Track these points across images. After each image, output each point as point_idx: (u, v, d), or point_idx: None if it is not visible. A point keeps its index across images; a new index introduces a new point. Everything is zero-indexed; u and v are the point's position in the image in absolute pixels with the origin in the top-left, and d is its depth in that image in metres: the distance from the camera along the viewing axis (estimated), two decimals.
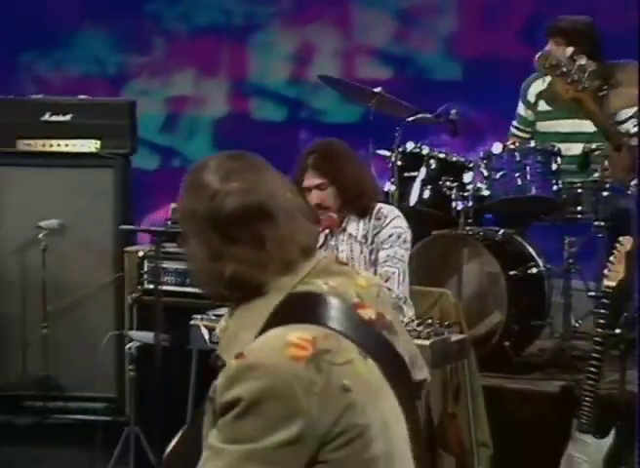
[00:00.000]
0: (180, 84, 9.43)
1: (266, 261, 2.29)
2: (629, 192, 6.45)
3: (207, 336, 5.33)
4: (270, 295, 2.30)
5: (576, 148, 6.37)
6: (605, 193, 6.14)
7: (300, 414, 2.15)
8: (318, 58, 9.41)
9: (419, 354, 2.71)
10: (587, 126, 6.41)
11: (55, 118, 6.83)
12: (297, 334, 2.19)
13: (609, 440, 5.30)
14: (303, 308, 2.28)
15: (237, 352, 2.21)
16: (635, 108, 5.48)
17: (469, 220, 6.13)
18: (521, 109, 6.93)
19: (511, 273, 6.07)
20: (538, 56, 5.20)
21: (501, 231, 6.30)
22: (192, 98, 9.54)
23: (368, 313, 2.35)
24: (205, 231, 2.31)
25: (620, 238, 5.45)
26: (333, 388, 2.18)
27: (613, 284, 5.38)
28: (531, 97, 6.84)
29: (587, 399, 5.29)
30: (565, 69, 5.11)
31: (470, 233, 6.16)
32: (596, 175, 6.20)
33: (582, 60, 5.12)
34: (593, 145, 6.30)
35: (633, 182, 5.26)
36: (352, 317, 2.32)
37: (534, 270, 6.25)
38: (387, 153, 6.25)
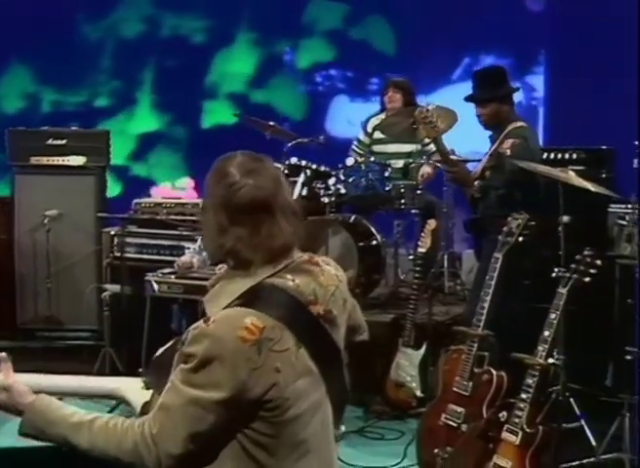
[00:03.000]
0: None
1: (257, 245, 2.14)
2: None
3: (156, 288, 5.38)
4: (250, 277, 2.14)
5: (399, 163, 6.41)
6: (419, 192, 6.25)
7: (238, 382, 2.03)
8: None
9: (363, 324, 2.55)
10: (405, 149, 6.56)
11: (55, 142, 6.91)
12: (251, 320, 2.05)
13: (422, 350, 5.42)
14: (265, 298, 2.12)
15: (207, 317, 2.09)
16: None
17: (332, 210, 6.17)
18: (361, 135, 7.02)
19: (360, 244, 6.12)
20: (417, 111, 5.03)
21: (354, 216, 6.29)
22: None
23: (317, 309, 2.18)
24: (218, 210, 2.16)
25: (428, 221, 5.59)
26: (267, 368, 2.05)
27: (424, 250, 5.47)
28: (369, 129, 6.92)
29: (409, 325, 5.44)
30: (428, 119, 5.11)
31: (333, 218, 6.16)
32: (414, 180, 6.28)
33: (434, 113, 5.17)
34: (410, 161, 6.39)
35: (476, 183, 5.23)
36: (301, 313, 2.16)
37: (374, 242, 6.23)
38: (278, 165, 6.23)
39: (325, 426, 2.24)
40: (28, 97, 8.98)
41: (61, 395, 2.21)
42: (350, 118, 8.54)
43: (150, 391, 2.23)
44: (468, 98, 5.27)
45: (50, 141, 6.89)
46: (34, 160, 6.89)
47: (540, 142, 5.83)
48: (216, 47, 9.02)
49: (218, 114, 8.96)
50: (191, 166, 8.72)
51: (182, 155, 9.09)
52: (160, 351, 2.35)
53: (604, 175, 5.64)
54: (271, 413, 2.09)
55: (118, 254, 6.17)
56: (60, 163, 6.88)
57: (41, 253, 6.67)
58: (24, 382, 2.18)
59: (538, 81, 8.59)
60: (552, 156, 5.81)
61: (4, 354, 2.20)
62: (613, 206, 5.40)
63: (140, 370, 4.95)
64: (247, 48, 9.01)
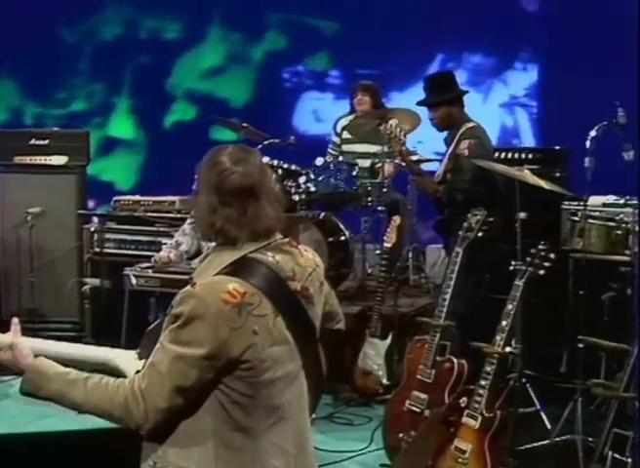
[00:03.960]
0: None
1: (244, 224, 2.23)
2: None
3: (134, 282, 5.37)
4: (235, 251, 2.24)
5: (366, 163, 6.41)
6: (384, 189, 6.26)
7: (219, 340, 2.11)
8: None
9: (339, 311, 2.60)
10: (372, 149, 6.53)
11: (38, 142, 6.89)
12: (233, 286, 2.15)
13: (388, 340, 5.43)
14: (248, 269, 2.21)
15: (194, 282, 2.19)
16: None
17: (303, 207, 6.14)
18: (333, 137, 7.02)
19: (329, 239, 6.12)
20: (382, 127, 5.21)
21: (323, 213, 6.27)
22: None
23: (295, 285, 2.26)
24: (210, 192, 2.25)
25: (393, 217, 5.59)
26: (246, 329, 2.14)
27: (389, 246, 5.48)
28: (338, 129, 6.93)
29: (375, 316, 5.45)
30: (394, 135, 5.16)
31: (303, 215, 6.13)
32: (379, 179, 6.26)
33: (398, 128, 5.16)
34: (376, 161, 6.37)
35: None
36: (280, 285, 2.24)
37: (343, 238, 6.22)
38: None
39: (300, 398, 2.31)
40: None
41: (60, 360, 2.26)
42: (318, 113, 8.51)
43: (143, 361, 2.27)
44: (420, 103, 5.32)
45: (33, 142, 6.86)
46: (18, 159, 6.86)
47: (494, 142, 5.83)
48: (188, 47, 8.88)
49: (179, 113, 8.88)
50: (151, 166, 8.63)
51: (143, 157, 8.96)
52: (152, 325, 2.44)
53: (558, 174, 5.70)
54: (248, 373, 2.16)
55: (98, 250, 6.14)
56: (43, 162, 6.84)
57: (24, 249, 6.62)
58: (28, 345, 2.26)
59: (527, 80, 8.34)
60: (509, 156, 5.86)
61: (16, 319, 2.30)
62: (566, 203, 5.47)
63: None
64: (218, 47, 8.86)
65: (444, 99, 5.17)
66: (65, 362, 2.26)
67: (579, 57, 7.33)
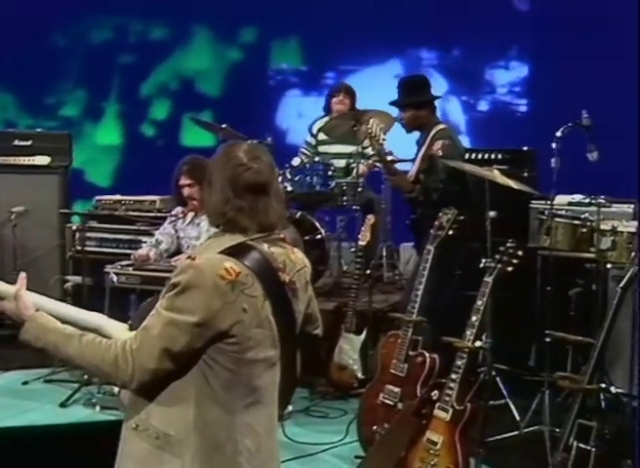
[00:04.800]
0: None
1: (253, 217, 2.30)
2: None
3: (115, 279, 5.35)
4: (235, 237, 2.32)
5: (341, 163, 6.40)
6: (359, 189, 6.25)
7: (211, 310, 2.19)
8: None
9: (319, 317, 2.61)
10: (348, 149, 6.50)
11: (21, 143, 6.87)
12: (230, 264, 2.23)
13: (363, 336, 5.45)
14: (244, 253, 2.28)
15: (194, 256, 2.28)
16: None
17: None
18: (308, 137, 6.98)
19: (306, 238, 6.12)
20: (363, 126, 5.21)
21: (300, 212, 6.27)
22: None
23: (284, 277, 2.33)
24: (225, 185, 2.32)
25: (368, 216, 5.59)
26: (237, 305, 2.21)
27: (364, 244, 5.49)
28: (314, 131, 6.88)
29: (350, 312, 5.46)
30: (374, 134, 5.18)
31: None
32: (352, 178, 6.26)
33: (379, 128, 5.12)
34: (351, 161, 6.36)
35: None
36: (271, 273, 2.30)
37: (319, 236, 6.24)
38: None
39: (274, 386, 2.37)
40: None
41: (58, 318, 2.33)
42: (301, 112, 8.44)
43: (134, 332, 2.32)
44: (392, 103, 5.34)
45: (16, 142, 6.85)
46: (1, 160, 6.81)
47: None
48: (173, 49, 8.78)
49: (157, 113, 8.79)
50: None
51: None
52: (146, 302, 2.64)
53: (526, 174, 5.72)
54: (233, 348, 2.23)
55: (80, 248, 6.14)
56: (26, 162, 6.81)
57: (8, 247, 6.57)
58: (32, 300, 2.35)
59: (516, 78, 8.18)
60: (480, 156, 5.87)
61: (23, 273, 2.38)
62: (534, 202, 5.49)
63: None
64: (200, 49, 8.74)
65: (412, 102, 5.18)
66: (63, 320, 2.33)
67: (570, 56, 7.25)
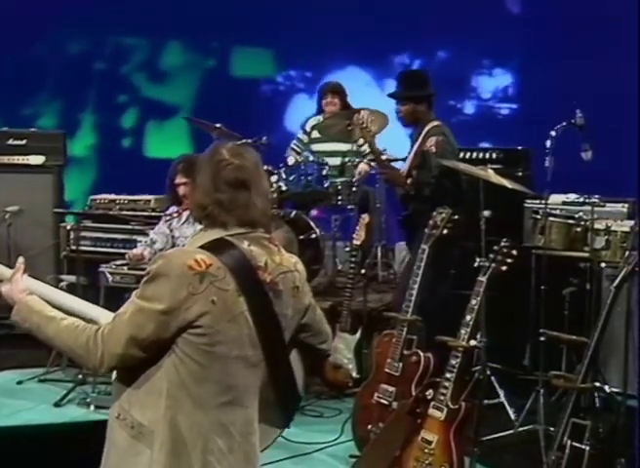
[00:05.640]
0: None
1: (232, 211, 2.32)
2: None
3: (110, 278, 5.37)
4: (215, 232, 2.33)
5: (336, 161, 6.40)
6: (354, 188, 6.25)
7: (176, 299, 2.21)
8: None
9: (324, 331, 2.60)
10: (341, 147, 6.51)
11: (16, 142, 6.88)
12: (201, 256, 2.25)
13: (357, 335, 5.44)
14: (221, 248, 2.29)
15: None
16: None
17: (275, 205, 6.06)
18: (300, 134, 6.94)
19: (301, 237, 6.14)
20: (354, 117, 5.20)
21: (294, 212, 6.28)
22: None
23: (264, 276, 2.32)
24: (207, 179, 2.36)
25: (362, 215, 5.58)
26: (204, 297, 2.22)
27: (358, 243, 5.48)
28: (308, 128, 6.85)
29: (345, 311, 5.45)
30: (365, 125, 5.19)
31: (275, 213, 6.05)
32: (353, 177, 6.26)
33: (370, 119, 5.18)
34: (347, 159, 6.36)
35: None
36: (249, 271, 2.29)
37: (314, 235, 6.23)
38: None
39: (256, 389, 2.35)
40: None
41: (56, 306, 2.38)
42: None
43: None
44: (390, 95, 5.33)
45: (11, 142, 6.85)
46: None
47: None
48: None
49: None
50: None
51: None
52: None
53: (520, 174, 5.72)
54: (201, 340, 2.24)
55: (74, 247, 6.11)
56: (21, 162, 6.82)
57: (2, 246, 6.54)
58: (28, 285, 2.43)
59: (508, 79, 8.21)
60: (474, 155, 5.87)
61: (21, 258, 2.49)
62: (528, 201, 5.50)
63: None
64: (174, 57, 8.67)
65: (412, 96, 5.16)
66: (59, 308, 2.37)
67: (565, 55, 7.24)
